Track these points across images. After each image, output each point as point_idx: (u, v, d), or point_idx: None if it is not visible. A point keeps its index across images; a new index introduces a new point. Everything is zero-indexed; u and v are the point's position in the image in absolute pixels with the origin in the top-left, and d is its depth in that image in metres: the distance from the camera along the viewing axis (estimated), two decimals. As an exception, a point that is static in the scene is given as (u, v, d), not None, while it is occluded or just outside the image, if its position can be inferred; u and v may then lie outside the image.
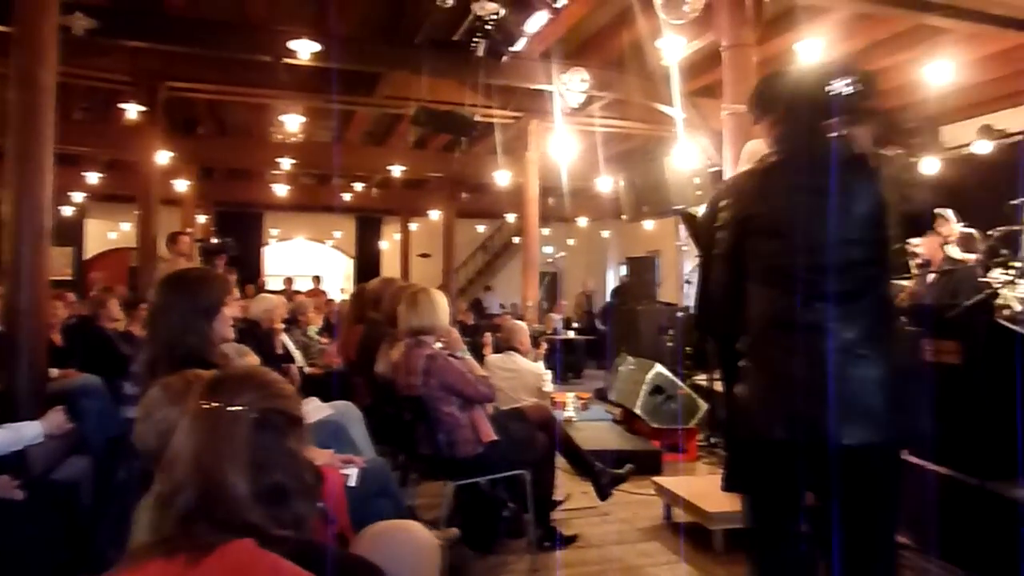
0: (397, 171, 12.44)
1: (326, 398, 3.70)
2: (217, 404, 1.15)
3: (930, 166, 9.72)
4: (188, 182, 12.62)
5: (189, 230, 8.93)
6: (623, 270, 18.39)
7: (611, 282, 18.81)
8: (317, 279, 15.05)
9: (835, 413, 1.84)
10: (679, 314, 8.02)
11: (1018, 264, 4.74)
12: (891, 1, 5.54)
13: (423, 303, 3.46)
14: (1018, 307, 4.74)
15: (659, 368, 6.04)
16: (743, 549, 2.46)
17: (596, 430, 5.98)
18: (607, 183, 12.02)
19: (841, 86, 2.07)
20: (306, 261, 18.80)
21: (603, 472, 4.06)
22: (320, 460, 2.40)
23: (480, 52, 5.93)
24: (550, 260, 16.00)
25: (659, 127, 9.06)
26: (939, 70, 7.53)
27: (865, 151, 2.04)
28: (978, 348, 3.49)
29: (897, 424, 1.90)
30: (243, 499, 1.09)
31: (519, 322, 5.29)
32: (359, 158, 12.96)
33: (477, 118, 7.49)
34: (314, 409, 3.21)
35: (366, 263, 18.74)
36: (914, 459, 3.83)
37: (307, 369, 5.60)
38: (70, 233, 15.69)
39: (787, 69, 2.27)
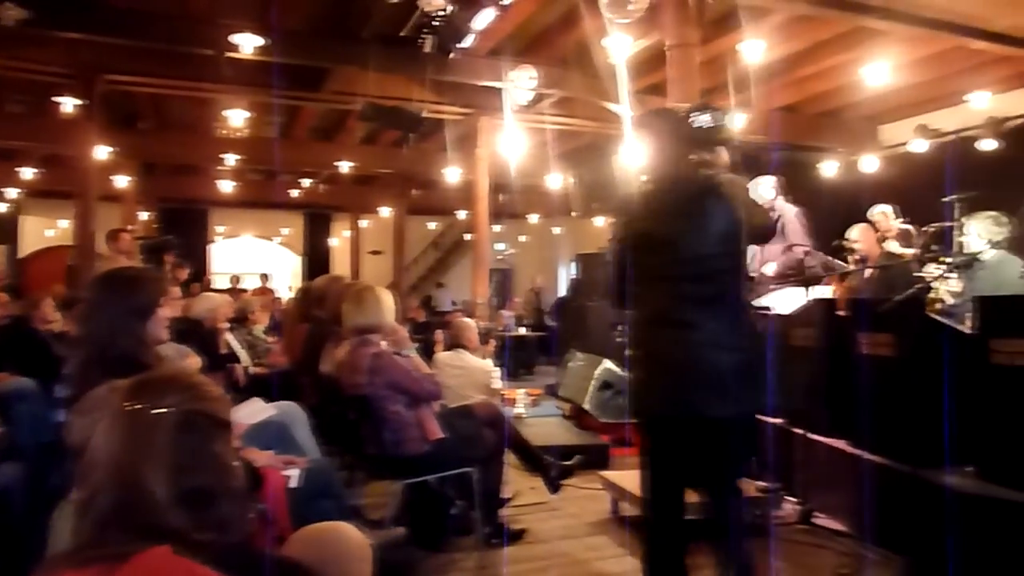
0: (346, 167, 12.30)
1: (272, 398, 3.65)
2: (139, 406, 1.13)
3: (870, 164, 10.04)
4: (129, 178, 12.28)
5: (130, 227, 8.70)
6: (574, 267, 18.51)
7: (563, 279, 18.91)
8: (264, 277, 14.80)
9: (703, 392, 2.32)
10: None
11: (949, 259, 4.91)
12: (829, 3, 5.68)
13: (368, 301, 3.43)
14: (950, 300, 4.91)
15: (608, 364, 6.10)
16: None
17: (546, 426, 6.03)
18: (557, 180, 12.09)
19: (702, 120, 2.47)
20: (254, 259, 18.47)
21: (552, 466, 4.09)
22: (261, 461, 2.37)
23: (427, 48, 5.89)
24: (500, 257, 16.02)
25: (608, 124, 9.13)
26: (877, 71, 7.75)
27: (720, 177, 2.44)
28: (910, 341, 3.61)
29: (749, 399, 2.42)
30: (162, 503, 1.07)
31: (467, 319, 5.29)
32: (307, 154, 12.77)
33: (425, 114, 7.45)
34: (257, 410, 3.16)
35: (316, 260, 18.50)
36: (851, 449, 3.96)
37: (253, 369, 5.50)
38: (5, 230, 15.15)
39: (659, 107, 2.76)
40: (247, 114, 10.01)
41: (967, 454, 3.34)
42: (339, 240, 19.05)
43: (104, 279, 2.40)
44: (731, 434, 2.36)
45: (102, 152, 8.87)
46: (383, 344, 3.47)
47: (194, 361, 3.79)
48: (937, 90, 9.01)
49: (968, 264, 4.73)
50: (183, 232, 13.10)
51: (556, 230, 18.91)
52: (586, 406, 5.90)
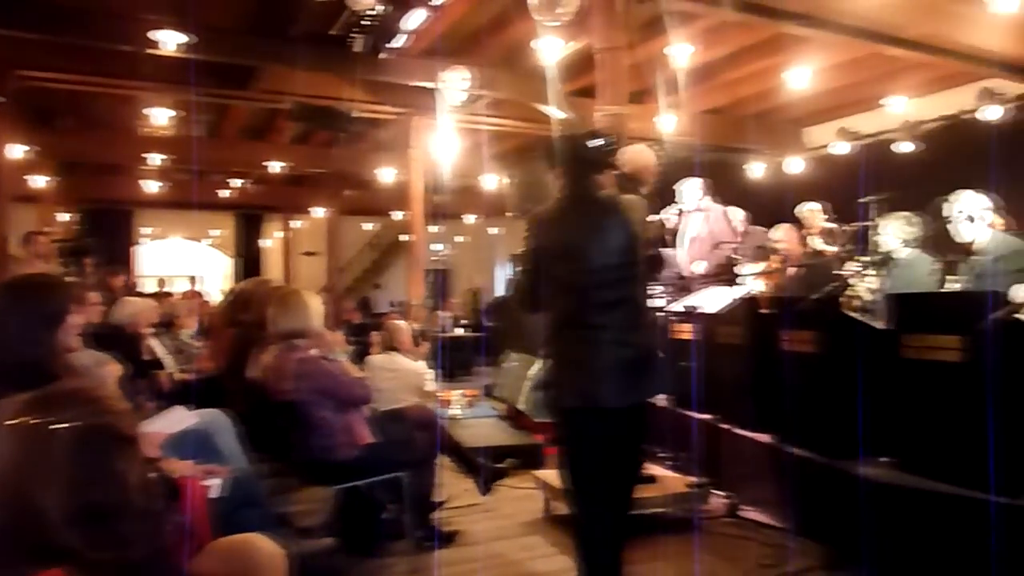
0: (276, 167, 12.06)
1: (198, 405, 3.55)
2: (35, 421, 1.08)
3: (794, 165, 10.39)
4: (47, 178, 11.78)
5: (47, 229, 8.34)
6: (512, 267, 18.54)
7: (500, 279, 18.94)
8: (193, 280, 14.40)
9: (608, 385, 2.62)
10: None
11: (865, 258, 5.11)
12: (752, 10, 5.83)
13: (294, 305, 3.37)
14: (868, 297, 5.11)
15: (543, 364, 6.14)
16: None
17: (481, 426, 6.03)
18: (493, 180, 12.12)
19: (595, 144, 2.78)
20: (183, 261, 17.95)
21: (484, 468, 4.10)
22: (180, 471, 2.31)
23: (358, 48, 5.82)
24: (435, 258, 15.94)
25: (543, 126, 9.18)
26: (799, 75, 8.01)
27: (618, 197, 2.79)
28: (828, 338, 3.74)
29: (648, 388, 2.77)
30: (56, 523, 1.03)
31: (400, 322, 5.25)
32: (237, 153, 12.47)
33: (356, 114, 7.35)
34: (178, 419, 3.07)
35: (249, 262, 18.08)
36: (775, 443, 4.08)
37: (179, 375, 5.35)
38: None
39: (564, 133, 3.04)
40: (172, 112, 9.71)
41: (884, 446, 3.47)
42: (272, 241, 18.67)
43: (10, 285, 2.31)
44: (634, 419, 2.70)
45: (17, 151, 8.49)
46: (312, 349, 3.41)
47: (114, 368, 3.65)
48: (857, 94, 9.35)
49: (883, 262, 4.93)
50: (106, 234, 12.68)
51: (493, 230, 18.93)
52: (521, 406, 5.93)
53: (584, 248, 2.67)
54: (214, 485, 2.36)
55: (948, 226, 4.31)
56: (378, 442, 3.42)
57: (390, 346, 4.96)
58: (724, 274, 5.77)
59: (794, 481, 3.85)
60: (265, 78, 8.08)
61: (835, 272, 5.49)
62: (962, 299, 3.70)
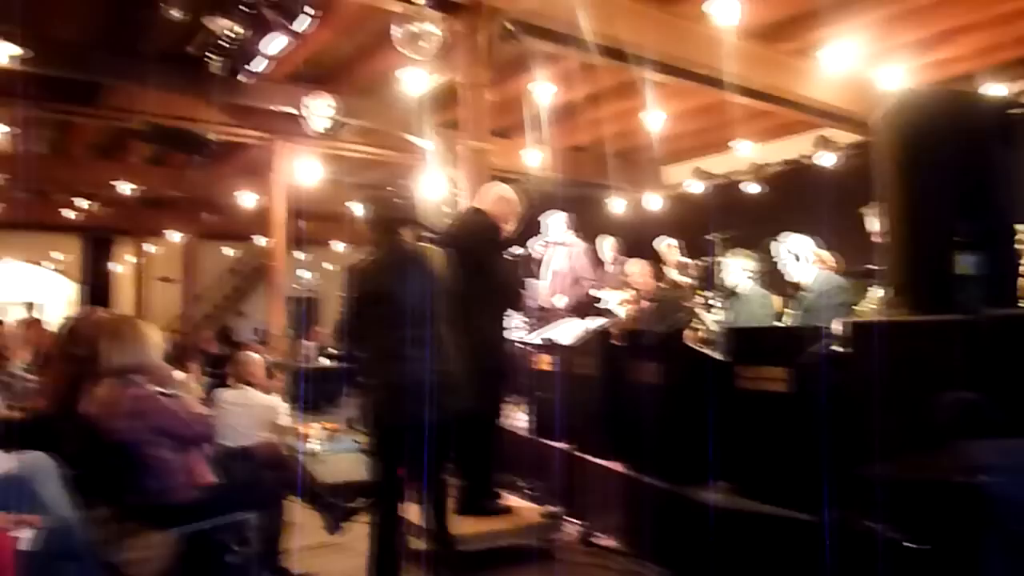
0: (127, 188, 11.38)
1: (22, 446, 3.25)
2: None
3: (653, 202, 10.93)
4: None
5: None
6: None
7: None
8: (30, 307, 13.28)
9: (419, 406, 3.05)
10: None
11: (711, 292, 5.42)
12: (610, 54, 6.09)
13: (129, 337, 3.17)
14: (714, 329, 5.42)
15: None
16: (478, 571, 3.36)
17: (340, 461, 5.83)
18: (361, 208, 11.95)
19: (399, 200, 3.40)
20: (21, 286, 16.51)
21: (333, 506, 3.99)
22: (-16, 524, 2.10)
23: (215, 69, 5.61)
24: (297, 285, 15.46)
25: (411, 156, 9.18)
26: (656, 117, 8.47)
27: (422, 248, 3.36)
28: (672, 369, 3.92)
29: (452, 408, 3.20)
30: None
31: (252, 354, 5.03)
32: (83, 172, 11.66)
33: (212, 137, 7.07)
34: (-9, 463, 2.80)
35: (97, 288, 16.87)
36: (625, 471, 4.21)
37: (3, 413, 4.88)
38: None
39: (374, 194, 3.57)
40: (6, 128, 8.96)
41: (724, 472, 3.66)
42: (123, 266, 17.53)
43: None
44: (440, 435, 3.16)
45: None
46: (148, 384, 3.21)
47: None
48: (709, 137, 9.98)
49: (728, 296, 5.25)
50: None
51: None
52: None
53: (393, 294, 3.20)
54: (26, 537, 2.16)
55: (778, 266, 4.65)
56: (221, 482, 3.26)
57: (243, 379, 4.76)
58: (583, 308, 5.96)
59: (643, 507, 3.98)
60: (113, 95, 7.64)
61: (685, 305, 5.79)
62: (787, 333, 3.99)
